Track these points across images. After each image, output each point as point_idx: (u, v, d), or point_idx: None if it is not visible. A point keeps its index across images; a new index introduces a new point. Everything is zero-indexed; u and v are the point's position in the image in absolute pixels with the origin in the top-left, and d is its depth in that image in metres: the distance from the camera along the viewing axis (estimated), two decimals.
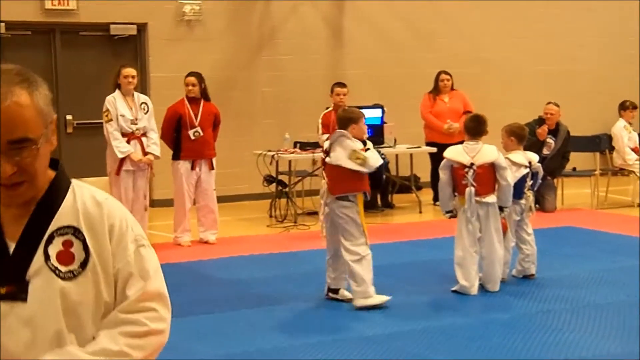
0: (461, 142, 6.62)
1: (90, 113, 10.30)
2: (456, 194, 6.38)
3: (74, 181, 2.00)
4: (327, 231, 6.04)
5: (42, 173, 1.89)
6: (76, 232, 1.91)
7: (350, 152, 5.87)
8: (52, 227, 1.90)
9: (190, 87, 8.46)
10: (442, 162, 6.44)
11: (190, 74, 8.56)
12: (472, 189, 6.25)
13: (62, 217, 1.92)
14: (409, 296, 6.25)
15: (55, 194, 1.93)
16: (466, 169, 6.26)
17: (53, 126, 1.91)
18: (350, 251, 5.89)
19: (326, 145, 6.05)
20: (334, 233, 5.99)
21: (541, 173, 6.93)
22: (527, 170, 6.71)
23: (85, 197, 1.96)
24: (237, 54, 11.57)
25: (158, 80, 11.03)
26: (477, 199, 6.27)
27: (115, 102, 8.07)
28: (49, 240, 1.90)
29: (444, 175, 6.37)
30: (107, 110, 8.05)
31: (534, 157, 6.84)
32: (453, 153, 6.35)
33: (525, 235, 6.80)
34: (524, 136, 6.88)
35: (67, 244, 1.90)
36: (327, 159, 5.95)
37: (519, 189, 6.66)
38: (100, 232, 1.93)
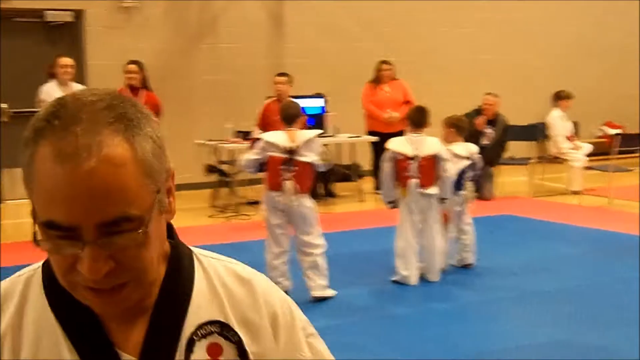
0: (401, 132, 6.71)
1: (27, 101, 10.13)
2: (398, 185, 6.44)
3: (194, 250, 1.41)
4: (280, 231, 5.92)
5: (154, 264, 1.24)
6: (225, 329, 1.30)
7: (320, 152, 6.01)
8: (187, 327, 1.28)
9: (131, 75, 8.39)
10: (386, 154, 6.49)
11: (130, 62, 8.49)
12: (416, 180, 6.35)
13: (200, 309, 1.30)
14: (349, 287, 6.32)
15: (179, 275, 1.32)
16: (409, 161, 6.34)
17: (169, 184, 1.28)
18: (314, 245, 5.92)
19: (293, 144, 5.83)
20: (286, 232, 5.96)
21: (480, 164, 7.06)
22: (467, 161, 6.83)
23: (222, 274, 1.36)
24: (177, 42, 11.50)
25: (96, 69, 10.90)
26: (420, 190, 6.37)
27: (50, 91, 7.97)
28: (189, 348, 1.27)
29: (387, 167, 6.42)
30: (42, 99, 7.95)
31: (474, 149, 6.96)
32: (397, 144, 6.41)
33: (465, 225, 6.93)
34: (464, 128, 7.00)
35: (215, 350, 1.29)
36: (303, 158, 5.85)
37: (459, 180, 6.78)
38: (259, 327, 1.33)
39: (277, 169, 5.84)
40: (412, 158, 6.34)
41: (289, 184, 5.81)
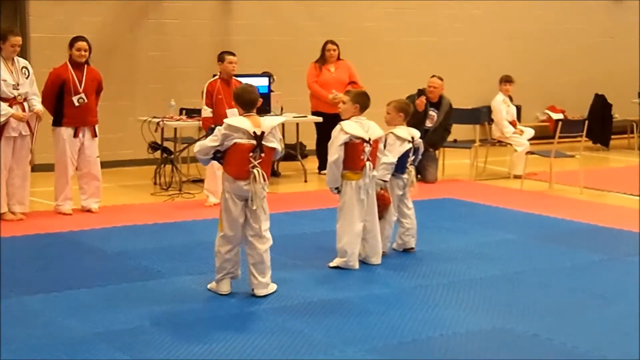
0: None
1: None
2: (350, 168, 6.41)
3: None
4: (241, 222, 5.73)
5: None
6: None
7: (280, 138, 5.82)
8: None
9: (81, 52, 8.25)
10: (340, 138, 6.31)
11: (81, 38, 8.33)
12: (369, 163, 6.38)
13: None
14: (290, 270, 6.34)
15: None
16: (365, 144, 6.36)
17: None
18: (266, 238, 5.78)
19: (258, 130, 5.61)
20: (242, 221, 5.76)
21: (422, 149, 7.10)
22: (410, 145, 6.87)
23: None
24: (121, 16, 11.33)
25: (38, 41, 10.70)
26: (372, 173, 6.41)
27: None
28: None
29: (339, 150, 6.30)
30: None
31: (416, 133, 7.00)
32: (352, 128, 6.37)
33: (406, 209, 6.97)
34: (410, 112, 7.03)
35: None
36: (272, 144, 5.68)
37: (402, 164, 6.82)
38: None
39: (245, 156, 5.59)
40: (367, 141, 6.35)
41: (257, 172, 5.63)
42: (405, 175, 6.92)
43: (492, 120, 11.32)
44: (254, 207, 5.66)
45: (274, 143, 5.74)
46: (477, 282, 6.16)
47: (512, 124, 11.17)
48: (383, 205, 6.68)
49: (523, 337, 5.01)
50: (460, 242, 7.38)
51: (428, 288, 6.00)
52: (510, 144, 11.05)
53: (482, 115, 11.68)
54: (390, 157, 6.71)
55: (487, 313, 5.46)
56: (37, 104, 8.04)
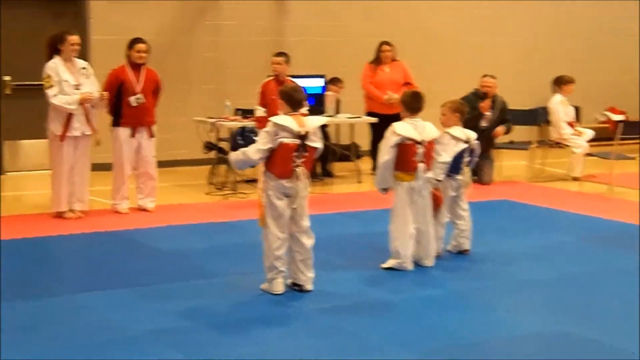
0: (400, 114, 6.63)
1: (29, 75, 10.12)
2: (402, 169, 6.36)
3: None
4: (286, 220, 5.73)
5: None
6: None
7: (320, 137, 5.83)
8: None
9: (141, 54, 8.35)
10: (392, 139, 6.29)
11: (140, 40, 8.42)
12: (423, 164, 6.33)
13: None
14: (342, 271, 6.31)
15: None
16: (418, 145, 6.31)
17: None
18: (311, 234, 5.81)
19: (302, 129, 5.64)
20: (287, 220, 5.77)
21: (478, 150, 7.02)
22: (465, 145, 6.80)
23: None
24: (179, 18, 11.44)
25: (99, 43, 10.85)
26: (425, 175, 6.36)
27: (57, 67, 7.92)
28: None
29: (391, 152, 6.28)
30: (49, 76, 7.89)
31: (472, 135, 6.93)
32: (405, 129, 6.33)
33: (461, 211, 6.90)
34: (465, 112, 6.98)
35: None
36: (313, 144, 5.71)
37: (456, 165, 6.76)
38: None
39: (289, 155, 5.62)
40: (420, 143, 6.31)
41: (300, 171, 5.67)
42: (459, 177, 6.85)
43: (549, 121, 11.15)
44: (294, 206, 5.67)
45: (317, 142, 5.76)
46: (534, 285, 6.06)
47: (571, 125, 10.98)
48: (435, 205, 6.62)
49: (583, 341, 4.91)
50: (516, 244, 7.28)
51: (484, 290, 5.92)
52: (569, 146, 10.88)
53: (539, 116, 11.50)
54: (444, 156, 6.65)
55: (544, 316, 5.37)
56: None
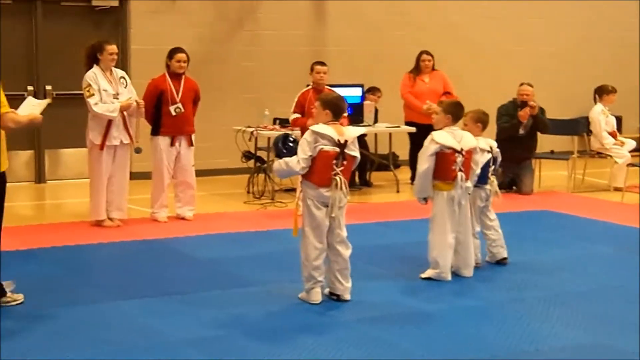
0: None
1: (70, 84, 10.24)
2: (441, 178, 6.32)
3: None
4: (324, 229, 5.71)
5: None
6: None
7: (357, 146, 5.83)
8: None
9: (181, 64, 8.41)
10: (431, 148, 6.26)
11: (180, 50, 8.48)
12: (461, 174, 6.29)
13: None
14: (380, 280, 6.28)
15: None
16: (457, 154, 6.28)
17: None
18: (349, 244, 5.79)
19: (342, 138, 5.63)
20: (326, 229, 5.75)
21: (499, 158, 6.97)
22: (490, 155, 6.74)
23: None
24: (218, 28, 11.52)
25: (138, 53, 10.96)
26: (464, 184, 6.32)
27: (96, 77, 7.99)
28: None
29: (429, 160, 6.25)
30: (89, 85, 7.96)
31: (494, 143, 6.89)
32: (444, 138, 6.30)
33: (489, 221, 6.83)
34: (487, 123, 6.91)
35: None
36: (353, 153, 5.71)
37: (483, 175, 6.68)
38: None
39: (329, 164, 5.61)
40: (459, 151, 6.28)
41: (339, 179, 5.65)
42: (487, 186, 6.80)
43: (590, 131, 11.02)
44: (333, 215, 5.65)
45: (355, 151, 5.75)
46: (574, 296, 5.98)
47: (612, 135, 10.85)
48: None
49: (624, 354, 4.83)
50: (556, 254, 7.20)
51: (523, 301, 5.86)
52: (611, 156, 10.75)
53: (580, 126, 11.36)
54: (477, 167, 6.61)
55: (584, 328, 5.29)
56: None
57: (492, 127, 10.17)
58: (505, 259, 6.84)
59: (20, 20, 10.67)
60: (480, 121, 6.79)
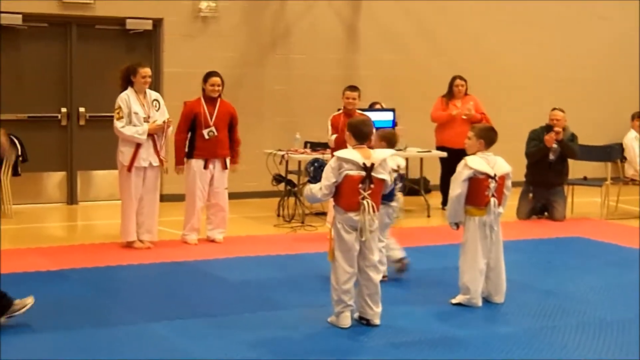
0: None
1: (103, 106, 10.34)
2: (473, 204, 6.29)
3: None
4: (355, 253, 5.68)
5: None
6: None
7: (390, 170, 5.83)
8: None
9: (215, 87, 8.46)
10: (464, 173, 6.23)
11: (214, 74, 8.52)
12: (494, 199, 6.26)
13: None
14: (410, 306, 6.24)
15: None
16: (490, 180, 6.25)
17: None
18: (380, 269, 5.80)
19: (368, 161, 5.61)
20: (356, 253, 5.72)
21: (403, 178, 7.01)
22: (397, 174, 6.56)
23: None
24: (250, 52, 11.58)
25: (171, 76, 11.05)
26: (497, 210, 6.29)
27: (129, 99, 8.06)
28: None
29: (462, 186, 6.21)
30: (120, 107, 8.03)
31: (402, 162, 6.87)
32: (478, 163, 6.26)
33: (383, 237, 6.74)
34: (395, 142, 6.81)
35: None
36: (381, 176, 5.69)
37: (391, 192, 6.49)
38: None
39: (355, 188, 5.59)
40: (492, 177, 6.24)
41: (367, 203, 5.62)
42: (393, 203, 6.75)
43: (624, 157, 10.91)
44: (363, 239, 5.61)
45: (384, 174, 5.71)
46: (607, 324, 5.89)
47: None
48: None
49: None
50: (589, 282, 7.12)
51: (555, 329, 5.78)
52: None
53: (613, 153, 11.26)
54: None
55: (615, 357, 5.21)
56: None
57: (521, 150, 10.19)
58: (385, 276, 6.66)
59: (55, 43, 10.82)
60: (384, 139, 6.65)
